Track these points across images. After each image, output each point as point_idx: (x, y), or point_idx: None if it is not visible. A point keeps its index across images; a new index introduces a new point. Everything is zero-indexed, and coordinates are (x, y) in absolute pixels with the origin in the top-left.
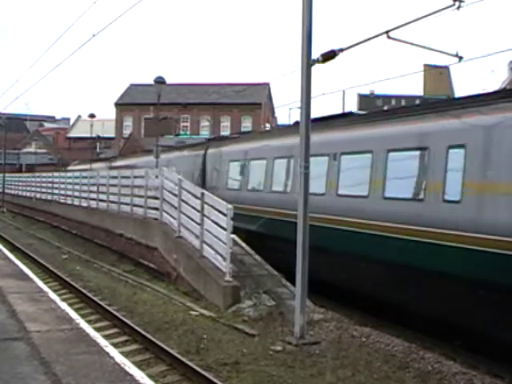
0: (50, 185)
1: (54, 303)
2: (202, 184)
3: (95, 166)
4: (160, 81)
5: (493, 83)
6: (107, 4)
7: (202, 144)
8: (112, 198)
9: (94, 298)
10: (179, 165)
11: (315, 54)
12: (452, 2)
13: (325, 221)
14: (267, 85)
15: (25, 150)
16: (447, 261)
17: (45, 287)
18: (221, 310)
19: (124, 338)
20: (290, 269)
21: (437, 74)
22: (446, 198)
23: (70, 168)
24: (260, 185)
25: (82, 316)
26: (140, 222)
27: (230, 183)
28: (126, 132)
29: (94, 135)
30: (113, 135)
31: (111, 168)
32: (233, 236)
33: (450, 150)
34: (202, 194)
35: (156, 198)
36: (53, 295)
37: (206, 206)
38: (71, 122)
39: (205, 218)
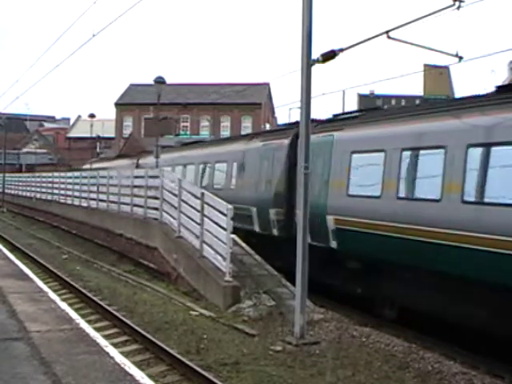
0: (49, 185)
1: (54, 303)
2: (288, 189)
3: (117, 163)
4: (160, 81)
5: (493, 83)
6: (107, 4)
7: (280, 131)
8: (112, 197)
9: (94, 298)
10: (232, 163)
11: (315, 54)
12: (452, 2)
13: None
14: (267, 85)
15: (25, 150)
16: None
17: (45, 287)
18: (221, 310)
19: (124, 337)
20: None
21: (437, 74)
22: None
23: (86, 167)
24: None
25: (82, 316)
26: (140, 221)
27: (353, 187)
28: (126, 132)
29: (94, 135)
30: (113, 135)
31: (138, 166)
32: (233, 236)
33: None
34: (202, 194)
35: (156, 198)
36: (53, 295)
37: (205, 205)
38: (71, 122)
39: (205, 218)
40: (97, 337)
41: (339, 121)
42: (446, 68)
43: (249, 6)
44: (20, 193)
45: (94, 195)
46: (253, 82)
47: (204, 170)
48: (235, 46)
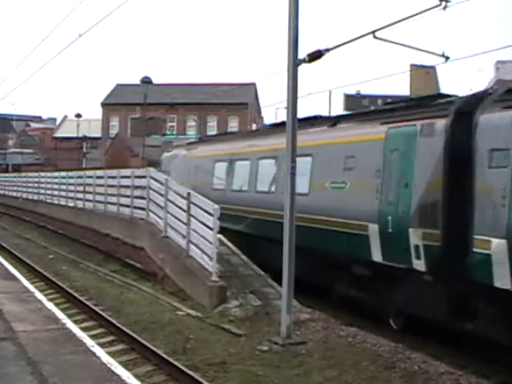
0: (36, 185)
1: (41, 303)
2: None
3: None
4: (146, 81)
5: (480, 83)
6: (94, 4)
7: None
8: (98, 197)
9: (81, 298)
10: None
11: (301, 54)
12: (438, 2)
13: None
14: (254, 85)
15: (11, 150)
16: None
17: (31, 287)
18: (207, 310)
19: (111, 337)
20: None
21: (423, 74)
22: None
23: (170, 155)
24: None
25: (69, 316)
26: (126, 221)
27: None
28: (113, 132)
29: (80, 135)
30: (99, 135)
31: None
32: (219, 236)
33: None
34: (189, 193)
35: (142, 198)
36: (39, 295)
37: (192, 205)
38: (58, 122)
39: (191, 218)
40: (83, 337)
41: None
42: (433, 68)
43: (235, 6)
44: (6, 193)
45: (80, 195)
46: (239, 82)
47: None
48: (222, 46)
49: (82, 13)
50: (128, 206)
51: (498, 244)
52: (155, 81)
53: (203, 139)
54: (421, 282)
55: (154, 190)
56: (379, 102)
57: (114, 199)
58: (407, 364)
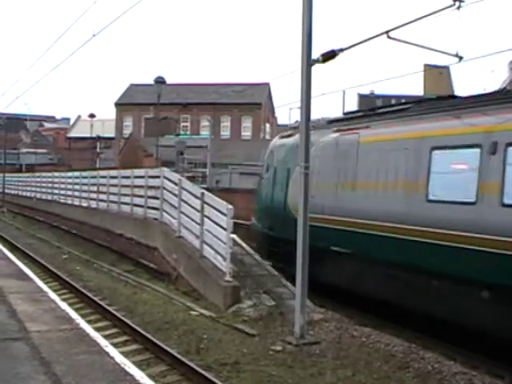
0: (50, 185)
1: (54, 303)
2: None
3: None
4: (160, 81)
5: (493, 83)
6: (107, 4)
7: None
8: (112, 197)
9: (94, 298)
10: None
11: (315, 54)
12: (452, 2)
13: None
14: (267, 85)
15: (25, 150)
16: None
17: (45, 287)
18: (221, 310)
19: (124, 337)
20: None
21: (437, 74)
22: None
23: (291, 142)
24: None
25: (82, 316)
26: (140, 221)
27: None
28: (126, 132)
29: (94, 135)
30: (113, 135)
31: None
32: (233, 236)
33: None
34: (202, 193)
35: (156, 198)
36: (53, 295)
37: (206, 205)
38: (71, 122)
39: (205, 218)
40: (97, 337)
41: None
42: (446, 68)
43: (248, 6)
44: (20, 193)
45: (94, 195)
46: (253, 81)
47: None
48: (235, 45)
49: (95, 13)
50: (142, 206)
51: None
52: (168, 81)
53: (368, 114)
54: None
55: (168, 190)
56: (393, 102)
57: (127, 199)
58: (421, 364)
